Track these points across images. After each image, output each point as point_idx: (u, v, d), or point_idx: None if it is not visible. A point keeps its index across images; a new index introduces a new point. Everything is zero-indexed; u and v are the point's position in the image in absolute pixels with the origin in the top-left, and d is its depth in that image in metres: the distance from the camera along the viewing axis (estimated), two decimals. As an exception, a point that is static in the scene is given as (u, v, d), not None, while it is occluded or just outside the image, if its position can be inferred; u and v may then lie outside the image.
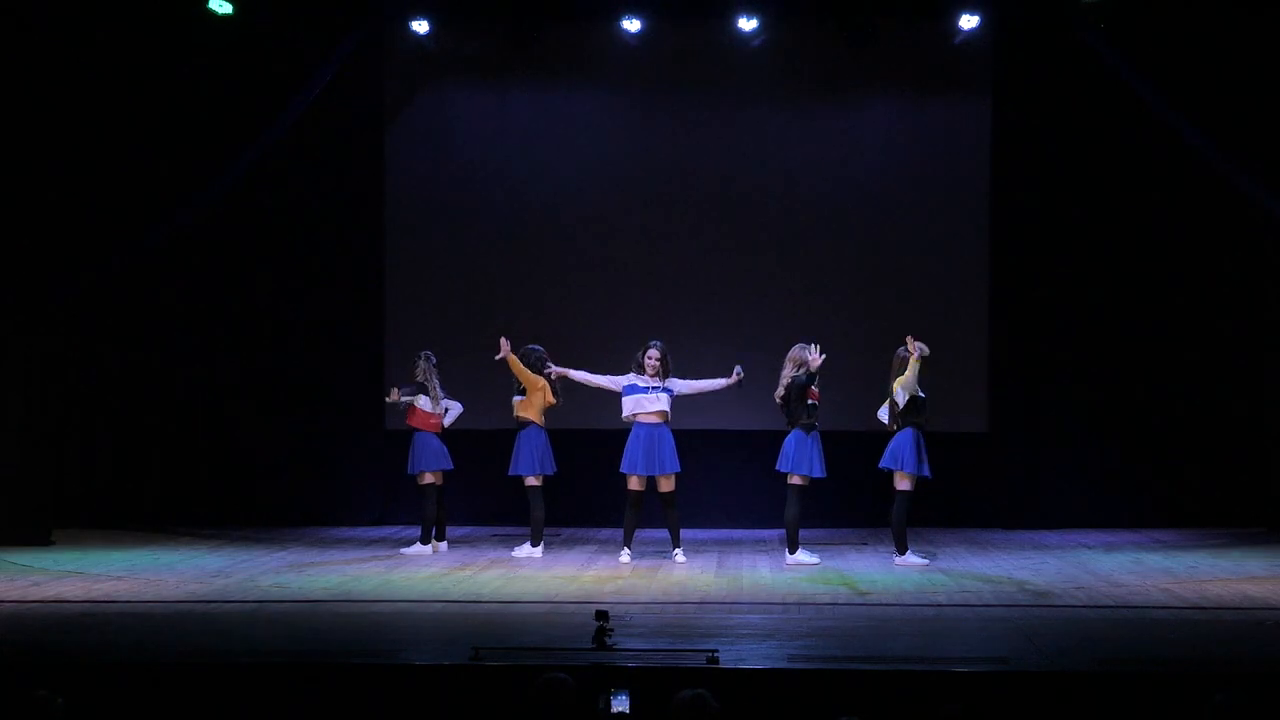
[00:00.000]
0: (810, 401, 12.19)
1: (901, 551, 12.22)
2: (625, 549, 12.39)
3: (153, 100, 14.61)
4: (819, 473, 12.23)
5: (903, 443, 12.15)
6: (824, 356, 12.06)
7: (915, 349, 12.01)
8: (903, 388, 12.14)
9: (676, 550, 12.42)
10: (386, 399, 13.18)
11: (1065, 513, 14.62)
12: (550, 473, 12.79)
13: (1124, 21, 13.82)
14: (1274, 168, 13.32)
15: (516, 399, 12.71)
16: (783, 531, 12.70)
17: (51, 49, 13.68)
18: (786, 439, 12.26)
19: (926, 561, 12.16)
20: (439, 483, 13.05)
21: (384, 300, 15.15)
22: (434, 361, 13.15)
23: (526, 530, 12.84)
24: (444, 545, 13.14)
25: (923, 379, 12.36)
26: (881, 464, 12.30)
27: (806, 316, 14.66)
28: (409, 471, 13.07)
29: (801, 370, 12.17)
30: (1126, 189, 14.75)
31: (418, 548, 12.98)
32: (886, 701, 7.49)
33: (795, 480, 12.22)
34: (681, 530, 12.52)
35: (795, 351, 12.30)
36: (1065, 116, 14.71)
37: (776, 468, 12.33)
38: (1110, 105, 14.40)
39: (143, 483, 15.01)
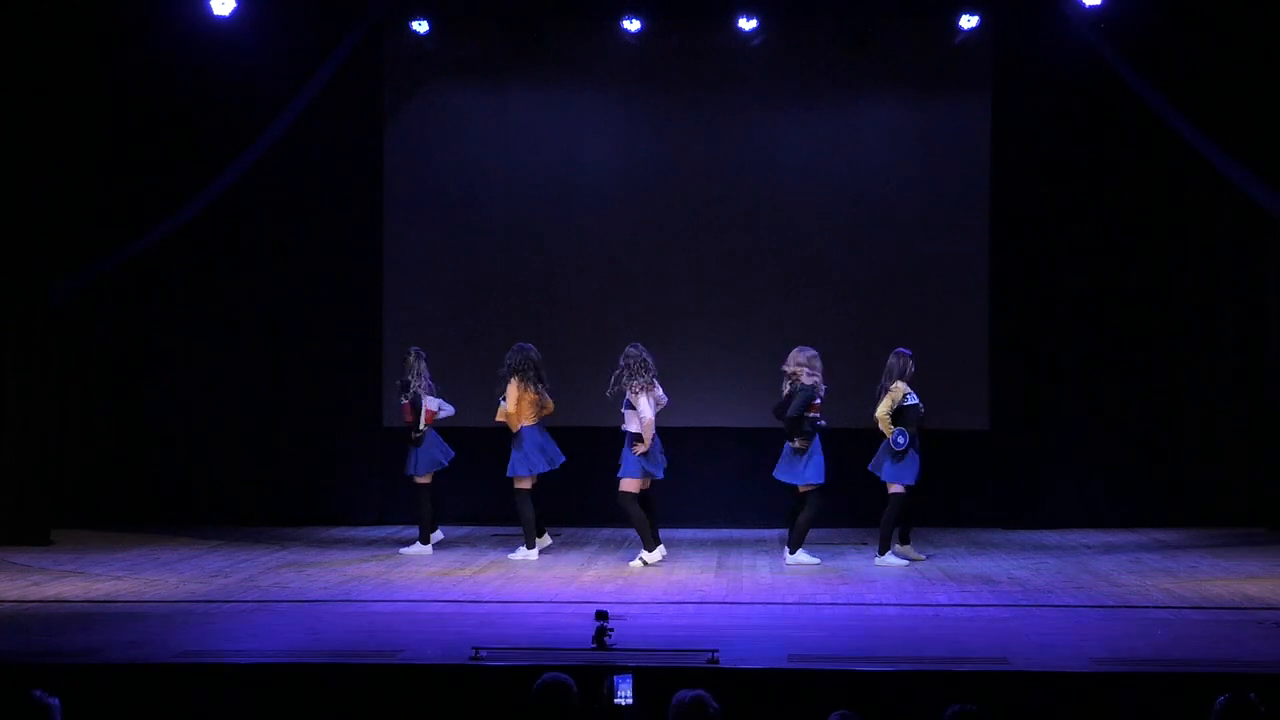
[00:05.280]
0: (812, 415, 12.16)
1: (882, 553, 12.23)
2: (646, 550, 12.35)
3: (153, 100, 14.61)
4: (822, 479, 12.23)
5: (903, 453, 12.17)
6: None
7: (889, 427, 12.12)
8: (884, 413, 12.20)
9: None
10: (416, 432, 12.95)
11: (1065, 513, 14.62)
12: (543, 469, 12.71)
13: (1124, 21, 13.81)
14: (1274, 167, 13.30)
15: (502, 404, 12.64)
16: (783, 531, 12.72)
17: (52, 49, 13.67)
18: (787, 446, 12.22)
19: (905, 563, 12.15)
20: (429, 481, 13.06)
21: (383, 300, 15.15)
22: (424, 358, 13.10)
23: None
24: (429, 552, 13.11)
25: (923, 380, 12.41)
26: (870, 467, 12.33)
27: (807, 315, 14.69)
28: (417, 472, 13.02)
29: (798, 384, 12.16)
30: (1126, 188, 14.75)
31: (418, 547, 12.98)
32: (886, 701, 7.50)
33: (805, 487, 12.19)
34: (681, 530, 12.41)
35: (795, 355, 12.28)
36: (1065, 116, 14.71)
37: (786, 479, 12.28)
38: (1110, 105, 14.40)
39: (143, 483, 15.01)
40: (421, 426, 12.90)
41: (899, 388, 12.20)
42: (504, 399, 12.58)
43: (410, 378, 12.98)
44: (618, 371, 12.21)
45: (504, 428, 12.77)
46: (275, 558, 12.61)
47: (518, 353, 12.65)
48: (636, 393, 12.09)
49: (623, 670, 7.08)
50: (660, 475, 12.29)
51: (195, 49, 14.42)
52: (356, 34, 14.12)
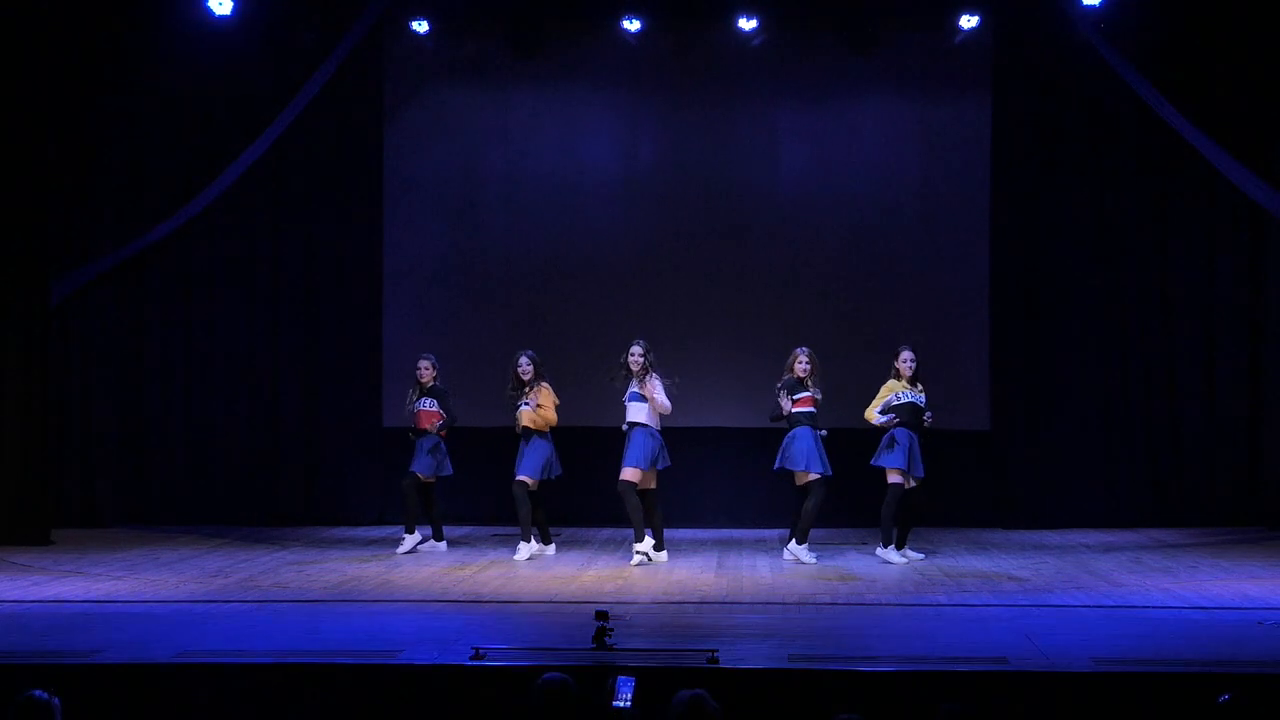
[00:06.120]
0: (794, 410, 12.19)
1: (885, 544, 12.26)
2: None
3: (153, 99, 14.62)
4: (828, 470, 12.25)
5: (893, 437, 12.22)
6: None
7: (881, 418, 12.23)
8: (872, 411, 12.30)
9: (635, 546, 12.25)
10: (431, 429, 13.03)
11: (1065, 513, 14.62)
12: (556, 475, 12.75)
13: (1124, 21, 13.82)
14: (1274, 166, 13.31)
15: (525, 408, 12.60)
16: (783, 531, 12.71)
17: (51, 49, 13.67)
18: (789, 436, 12.24)
19: (904, 560, 12.16)
20: (427, 477, 13.10)
21: (383, 299, 15.14)
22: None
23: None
24: (443, 545, 13.14)
25: (924, 380, 12.44)
26: (872, 461, 12.36)
27: (807, 315, 14.70)
28: (449, 473, 13.07)
29: (790, 376, 12.26)
30: (1126, 188, 14.75)
31: (431, 544, 13.03)
32: (886, 701, 7.50)
33: (806, 478, 12.22)
34: (682, 530, 12.39)
35: (792, 354, 12.37)
36: (1065, 116, 14.71)
37: (789, 467, 12.32)
38: (1110, 105, 14.42)
39: (143, 483, 15.01)
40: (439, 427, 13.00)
41: (888, 387, 12.32)
42: (531, 403, 12.51)
43: (435, 383, 13.04)
44: (640, 363, 12.19)
45: (509, 429, 12.74)
46: (275, 558, 12.61)
47: (536, 358, 12.63)
48: (653, 382, 12.16)
49: (628, 672, 7.07)
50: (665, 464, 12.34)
51: (195, 49, 14.44)
52: (356, 34, 14.11)
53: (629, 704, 6.54)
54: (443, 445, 13.06)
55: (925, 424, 12.30)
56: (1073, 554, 12.87)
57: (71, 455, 14.67)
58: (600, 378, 12.90)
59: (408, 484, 13.01)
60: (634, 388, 12.25)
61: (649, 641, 8.52)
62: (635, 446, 12.18)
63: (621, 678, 6.58)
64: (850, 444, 12.85)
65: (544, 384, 12.61)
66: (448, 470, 13.10)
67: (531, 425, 12.52)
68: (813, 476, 12.17)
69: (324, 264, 15.08)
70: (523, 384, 12.61)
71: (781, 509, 13.19)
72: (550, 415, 12.58)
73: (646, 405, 12.19)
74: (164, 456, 15.05)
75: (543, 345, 13.30)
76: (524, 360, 12.63)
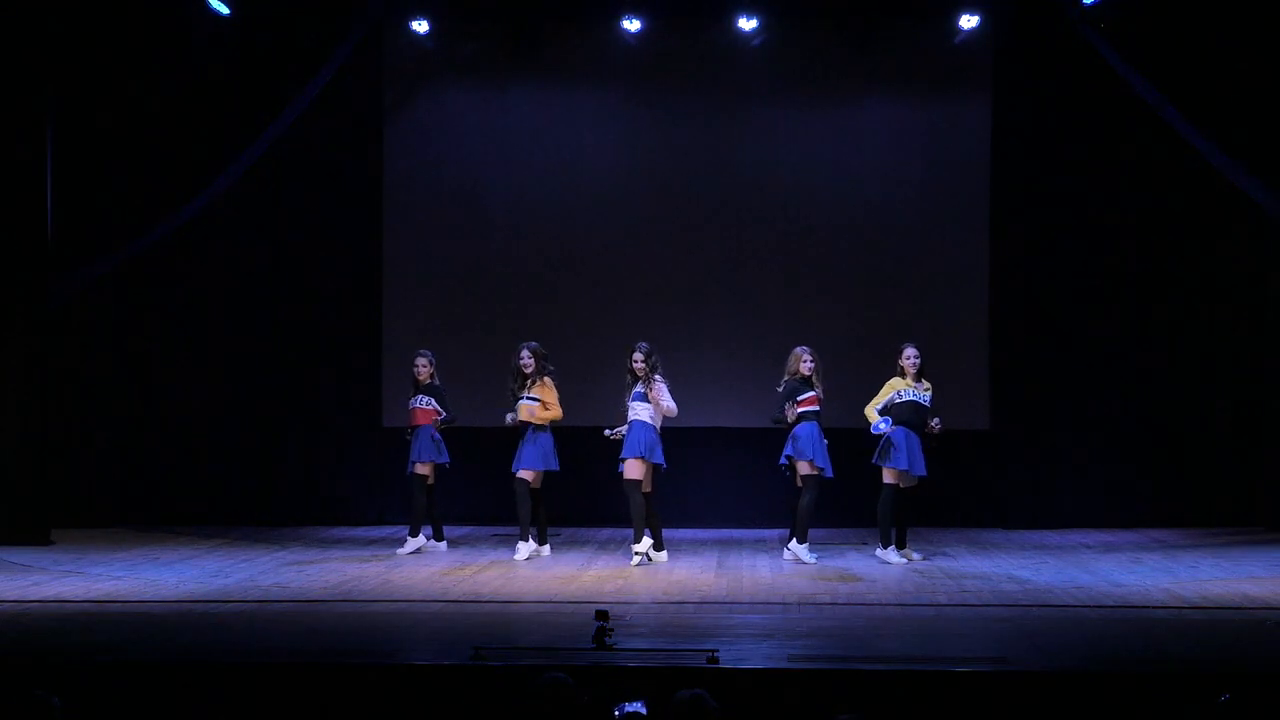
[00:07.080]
0: (800, 410, 12.18)
1: (884, 545, 12.25)
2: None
3: (153, 100, 14.61)
4: (829, 470, 12.24)
5: (890, 440, 12.20)
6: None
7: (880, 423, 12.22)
8: (871, 409, 12.29)
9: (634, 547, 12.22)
10: (434, 437, 12.99)
11: (1065, 513, 14.63)
12: (555, 468, 12.70)
13: (1124, 21, 13.82)
14: (1273, 166, 13.30)
15: (527, 402, 12.57)
16: (783, 531, 12.68)
17: (52, 49, 13.66)
18: (797, 429, 12.22)
19: (903, 560, 12.17)
20: (431, 478, 13.06)
21: (383, 300, 15.15)
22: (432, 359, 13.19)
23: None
24: (443, 545, 13.13)
25: (928, 378, 12.45)
26: (873, 459, 12.36)
27: (807, 316, 14.70)
28: (446, 460, 13.03)
29: (794, 378, 12.25)
30: (1126, 188, 14.76)
31: (431, 544, 13.01)
32: (886, 701, 7.50)
33: (806, 470, 12.22)
34: (681, 530, 12.36)
35: (794, 354, 12.38)
36: (1065, 116, 14.72)
37: (782, 459, 12.32)
38: (1110, 105, 14.41)
39: (143, 483, 15.01)
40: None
41: (891, 384, 12.33)
42: (534, 397, 12.47)
43: (431, 380, 13.02)
44: (642, 368, 12.18)
45: (508, 428, 12.73)
46: (275, 558, 12.61)
47: (539, 351, 12.58)
48: (659, 386, 12.16)
49: (630, 673, 7.06)
50: (664, 464, 12.30)
51: (195, 49, 14.44)
52: (356, 34, 14.13)
53: (620, 714, 6.52)
54: (438, 435, 13.00)
55: (934, 430, 12.29)
56: (1073, 554, 12.87)
57: (71, 455, 14.67)
58: (599, 379, 12.89)
59: (415, 484, 12.97)
60: (638, 388, 12.24)
61: (649, 641, 8.53)
62: (634, 434, 12.17)
63: (640, 705, 6.56)
64: (850, 444, 12.84)
65: (546, 379, 12.57)
66: (445, 457, 13.03)
67: (530, 420, 12.49)
68: (814, 470, 12.16)
69: (323, 264, 15.08)
70: (525, 378, 12.58)
71: (781, 509, 13.19)
72: (554, 414, 12.52)
73: (650, 406, 12.19)
74: (164, 456, 15.05)
75: (543, 344, 13.28)
76: (525, 354, 12.57)
